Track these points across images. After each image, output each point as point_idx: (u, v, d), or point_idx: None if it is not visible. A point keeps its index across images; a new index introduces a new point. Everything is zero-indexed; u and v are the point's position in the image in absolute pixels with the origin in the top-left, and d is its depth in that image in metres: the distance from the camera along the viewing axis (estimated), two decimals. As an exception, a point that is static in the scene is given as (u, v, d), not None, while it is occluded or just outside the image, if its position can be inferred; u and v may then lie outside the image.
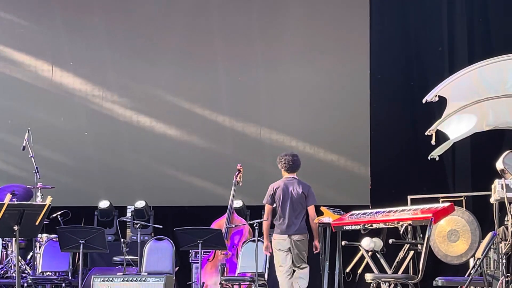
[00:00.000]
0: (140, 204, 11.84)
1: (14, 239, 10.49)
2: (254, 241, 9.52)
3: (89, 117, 12.60)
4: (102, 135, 12.59)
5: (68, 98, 12.61)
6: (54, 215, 10.96)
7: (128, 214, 12.35)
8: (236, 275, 10.03)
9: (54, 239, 10.37)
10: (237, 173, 10.86)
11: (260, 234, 9.28)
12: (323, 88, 12.26)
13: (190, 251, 10.53)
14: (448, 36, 12.17)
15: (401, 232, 9.89)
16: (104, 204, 11.91)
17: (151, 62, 12.54)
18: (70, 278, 10.17)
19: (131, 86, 12.60)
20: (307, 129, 12.30)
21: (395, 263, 8.30)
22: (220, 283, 9.80)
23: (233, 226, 10.48)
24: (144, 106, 12.55)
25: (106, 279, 8.43)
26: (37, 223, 8.33)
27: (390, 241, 8.98)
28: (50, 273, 10.40)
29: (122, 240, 9.84)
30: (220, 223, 10.59)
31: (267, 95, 12.38)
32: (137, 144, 12.55)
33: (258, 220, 9.63)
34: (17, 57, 12.69)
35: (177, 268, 10.30)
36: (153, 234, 11.59)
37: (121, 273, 8.83)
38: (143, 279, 8.41)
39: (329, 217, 9.24)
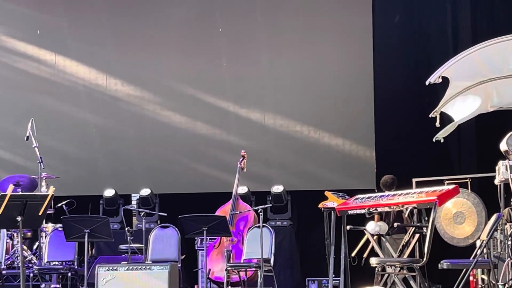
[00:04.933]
0: (145, 192, 11.83)
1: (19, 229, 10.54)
2: (259, 227, 9.50)
3: (93, 105, 12.58)
4: (106, 124, 12.57)
5: (72, 87, 12.58)
6: (59, 205, 10.95)
7: (133, 202, 12.34)
8: (242, 261, 10.00)
9: (59, 229, 10.35)
10: (241, 159, 10.83)
11: (265, 219, 9.24)
12: (326, 72, 12.20)
13: (195, 238, 10.52)
14: (452, 17, 12.08)
15: (406, 216, 9.83)
16: (109, 192, 11.90)
17: (155, 49, 12.50)
18: (76, 267, 10.15)
19: (135, 74, 12.56)
20: (312, 113, 12.24)
21: (400, 247, 8.24)
22: (226, 269, 9.78)
23: (238, 212, 10.45)
24: (148, 94, 12.52)
25: (111, 268, 8.40)
26: (40, 214, 8.31)
27: (395, 224, 8.92)
28: (56, 263, 10.37)
29: (126, 228, 9.81)
30: (225, 210, 10.56)
31: (270, 80, 12.32)
32: (141, 131, 12.53)
33: (263, 206, 9.60)
34: (20, 47, 12.66)
35: (183, 256, 10.28)
36: (158, 221, 11.57)
37: (126, 262, 8.80)
38: (148, 267, 8.38)
39: (333, 201, 9.18)
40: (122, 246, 10.82)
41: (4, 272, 10.12)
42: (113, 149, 12.56)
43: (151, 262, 8.68)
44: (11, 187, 8.28)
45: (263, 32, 12.35)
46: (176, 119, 12.46)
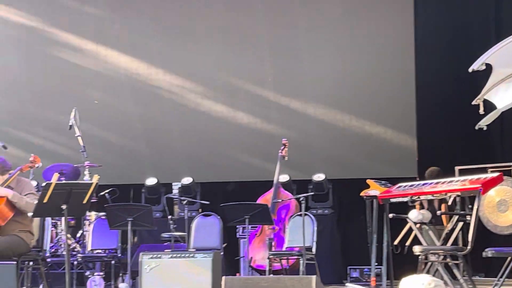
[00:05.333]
0: (187, 180, 11.88)
1: (63, 218, 10.64)
2: (301, 215, 9.50)
3: (135, 95, 12.66)
4: (148, 113, 12.65)
5: (114, 77, 12.67)
6: (102, 193, 11.04)
7: (175, 191, 12.41)
8: (284, 249, 10.02)
9: (102, 217, 10.43)
10: (282, 148, 10.84)
11: (307, 208, 9.25)
12: (367, 60, 12.15)
13: (237, 226, 10.55)
14: (496, 3, 11.96)
15: (449, 203, 9.78)
16: (151, 181, 11.97)
17: (197, 39, 12.53)
18: (120, 255, 10.24)
19: (177, 63, 12.60)
20: (352, 102, 12.21)
21: (443, 235, 8.21)
22: (268, 258, 9.80)
23: (280, 200, 10.46)
24: (190, 83, 12.56)
25: (155, 256, 8.45)
26: (84, 202, 8.39)
27: (438, 212, 8.89)
28: (99, 251, 10.47)
29: (169, 217, 9.86)
30: (266, 198, 10.58)
31: (311, 69, 12.30)
32: (183, 120, 12.59)
33: (305, 194, 9.60)
34: (63, 37, 12.76)
35: (225, 244, 10.32)
36: (200, 210, 11.62)
37: (169, 250, 8.85)
38: (191, 255, 8.41)
39: (376, 189, 9.16)
40: (164, 234, 10.89)
41: (48, 260, 10.22)
42: (154, 138, 12.64)
43: (194, 250, 8.72)
44: (56, 175, 8.38)
45: (304, 21, 12.31)
46: (217, 108, 12.50)
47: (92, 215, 10.90)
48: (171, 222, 9.68)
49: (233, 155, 12.44)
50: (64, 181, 9.11)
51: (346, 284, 10.70)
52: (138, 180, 12.23)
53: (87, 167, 10.99)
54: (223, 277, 7.54)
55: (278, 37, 12.36)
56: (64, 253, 10.76)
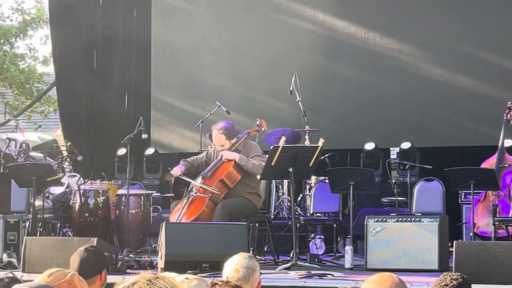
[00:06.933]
0: (406, 145, 11.75)
1: (286, 181, 10.86)
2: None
3: (352, 59, 12.67)
4: (365, 77, 12.60)
5: (332, 42, 12.73)
6: (322, 158, 11.11)
7: (393, 156, 12.32)
8: (510, 216, 9.70)
9: (323, 181, 10.54)
10: (507, 111, 10.46)
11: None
12: None
13: (459, 192, 10.33)
14: None
15: None
16: (369, 146, 11.93)
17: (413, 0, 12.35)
18: (340, 219, 10.32)
19: (394, 26, 12.48)
20: None
21: None
22: (493, 224, 9.53)
23: (506, 165, 10.13)
24: (408, 47, 12.42)
25: (380, 219, 8.44)
26: (310, 165, 8.54)
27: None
28: (320, 214, 10.60)
29: (393, 181, 9.81)
30: (490, 163, 10.26)
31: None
32: (400, 85, 12.45)
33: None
34: (283, 4, 12.96)
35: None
36: (418, 175, 11.47)
37: (394, 214, 8.82)
38: (417, 219, 8.34)
39: None
40: (384, 199, 10.86)
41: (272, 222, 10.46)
42: (372, 103, 12.57)
43: (420, 214, 8.63)
44: (283, 139, 8.58)
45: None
46: (436, 71, 12.25)
47: (312, 179, 11.02)
48: (395, 186, 9.62)
49: (453, 120, 12.17)
50: (291, 145, 9.25)
51: None
52: (356, 145, 12.23)
53: (307, 131, 11.11)
54: (456, 242, 7.42)
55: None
56: (286, 215, 11.01)
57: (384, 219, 8.43)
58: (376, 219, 8.45)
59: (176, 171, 9.03)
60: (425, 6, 12.29)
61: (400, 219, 8.41)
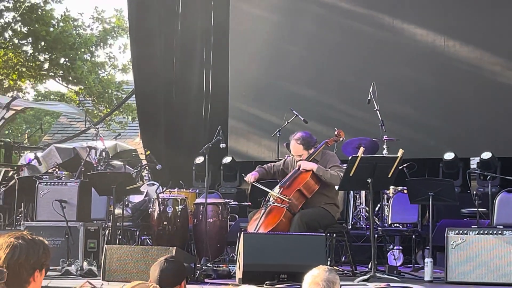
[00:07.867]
0: (486, 155, 11.52)
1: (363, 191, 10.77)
2: None
3: (431, 68, 12.51)
4: (444, 86, 12.44)
5: (410, 51, 12.59)
6: (400, 167, 10.99)
7: (473, 166, 12.11)
8: None
9: (401, 191, 10.42)
10: None
11: None
12: None
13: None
14: None
15: None
16: (449, 155, 11.75)
17: (492, 8, 12.14)
18: (419, 230, 10.18)
19: (473, 34, 12.30)
20: None
21: None
22: None
23: None
24: (488, 54, 12.20)
25: (461, 231, 8.28)
26: (389, 176, 8.45)
27: None
28: (398, 225, 10.47)
29: (473, 192, 9.62)
30: None
31: None
32: (480, 93, 12.25)
33: None
34: (360, 13, 12.89)
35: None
36: (499, 185, 11.25)
37: (475, 226, 8.65)
38: (499, 232, 8.16)
39: None
40: (465, 210, 10.68)
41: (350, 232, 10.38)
42: (451, 112, 12.40)
43: (502, 227, 8.44)
44: (361, 149, 8.50)
45: None
46: (513, 79, 12.05)
47: (390, 189, 10.91)
48: (475, 197, 9.44)
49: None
50: (369, 155, 9.16)
51: None
52: (435, 155, 12.06)
53: (385, 141, 11.01)
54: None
55: None
56: (363, 225, 10.92)
57: (465, 232, 8.27)
58: (457, 231, 8.30)
59: (250, 177, 9.02)
60: (505, 13, 12.07)
61: (481, 232, 8.24)
